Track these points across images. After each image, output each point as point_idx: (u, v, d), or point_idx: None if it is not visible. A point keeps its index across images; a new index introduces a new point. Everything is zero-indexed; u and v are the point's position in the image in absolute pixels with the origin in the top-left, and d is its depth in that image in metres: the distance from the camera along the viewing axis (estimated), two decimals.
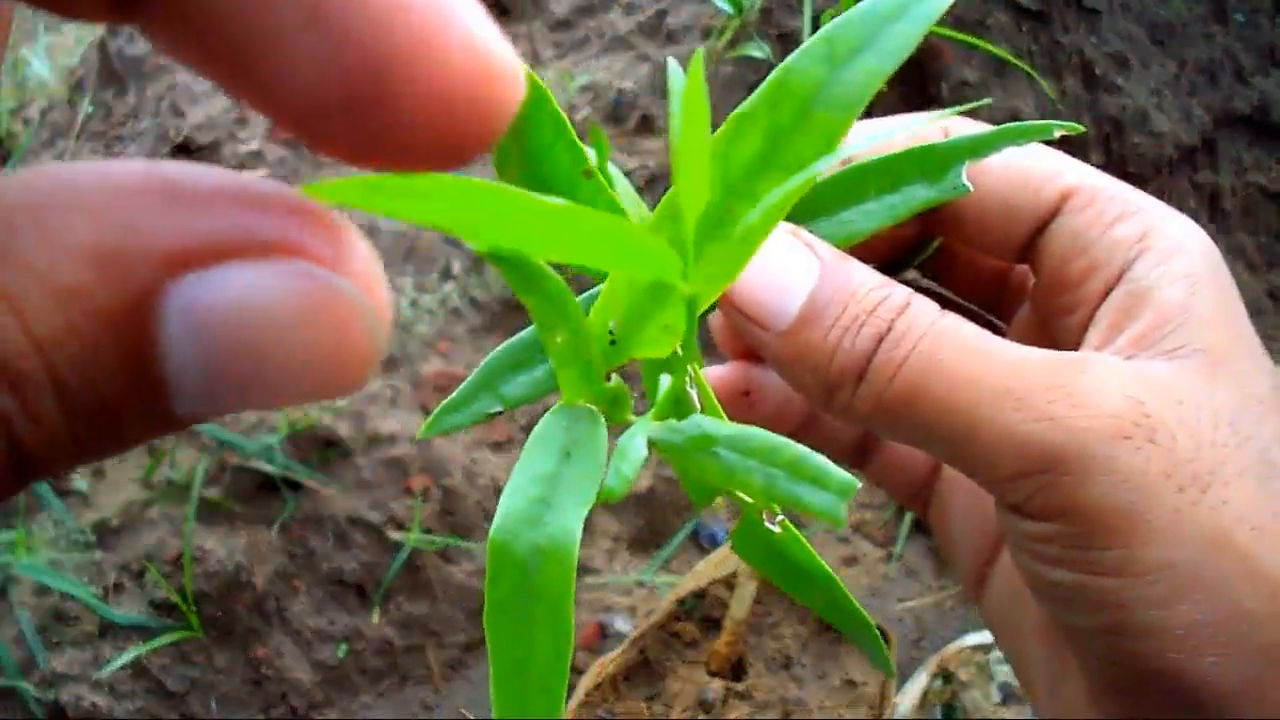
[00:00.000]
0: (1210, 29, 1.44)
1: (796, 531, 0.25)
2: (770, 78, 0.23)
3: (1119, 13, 1.35)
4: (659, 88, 1.23)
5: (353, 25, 0.13)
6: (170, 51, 0.14)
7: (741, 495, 0.23)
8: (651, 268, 0.18)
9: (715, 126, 0.23)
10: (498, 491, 1.08)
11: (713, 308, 0.28)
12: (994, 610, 0.34)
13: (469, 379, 0.28)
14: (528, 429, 1.08)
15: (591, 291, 0.26)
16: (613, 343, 0.21)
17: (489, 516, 1.07)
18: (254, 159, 1.24)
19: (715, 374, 0.35)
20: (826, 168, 0.18)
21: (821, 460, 0.19)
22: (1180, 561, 0.25)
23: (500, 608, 0.18)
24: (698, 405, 0.23)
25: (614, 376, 0.21)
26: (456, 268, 1.19)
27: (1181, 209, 0.31)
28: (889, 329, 0.26)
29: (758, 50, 1.04)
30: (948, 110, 0.21)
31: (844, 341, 0.26)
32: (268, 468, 1.04)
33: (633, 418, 0.21)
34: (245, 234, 0.13)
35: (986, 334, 0.26)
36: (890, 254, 0.33)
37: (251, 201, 0.13)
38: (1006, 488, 0.26)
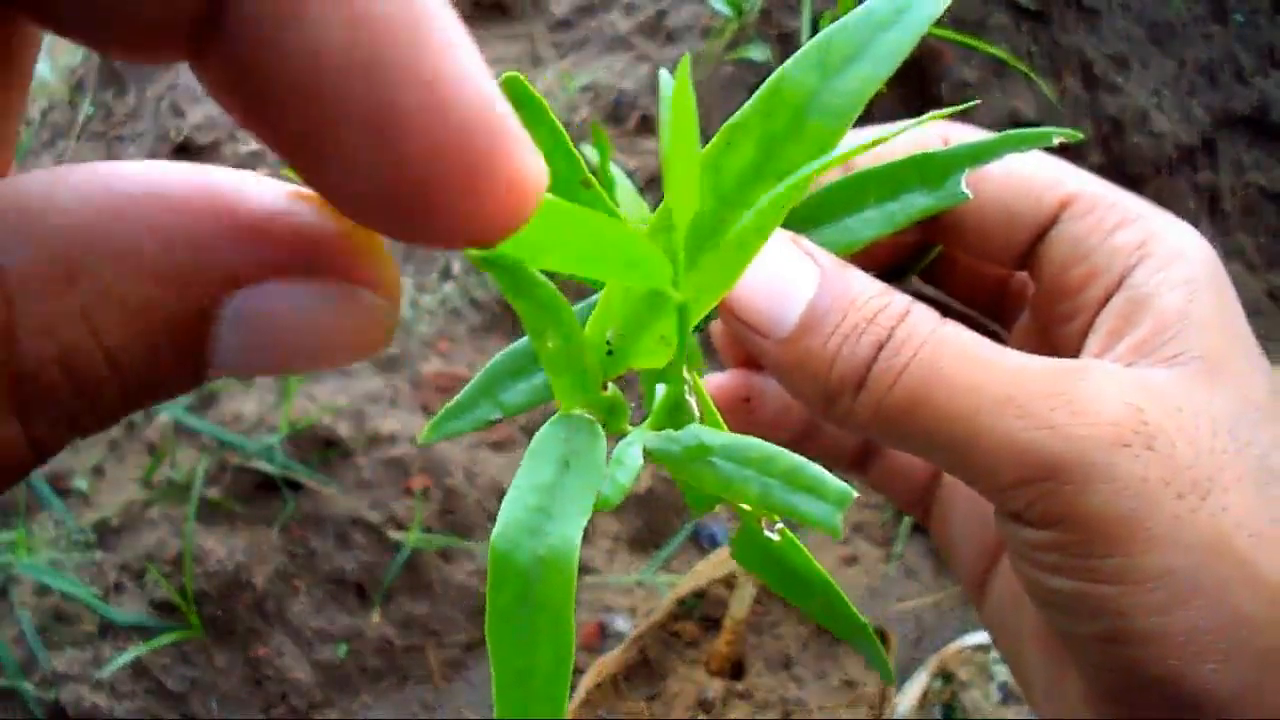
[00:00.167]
0: (1210, 29, 1.43)
1: (795, 539, 0.25)
2: (764, 86, 0.23)
3: (1119, 13, 1.35)
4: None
5: (413, 151, 0.13)
6: (223, 104, 0.15)
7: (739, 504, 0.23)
8: (641, 273, 0.18)
9: (714, 129, 0.23)
10: (498, 491, 1.09)
11: (713, 316, 0.28)
12: (994, 616, 0.34)
13: (469, 386, 0.28)
14: (527, 429, 1.08)
15: (588, 300, 0.26)
16: (610, 353, 0.21)
17: (489, 516, 1.07)
18: (254, 159, 1.24)
19: (716, 381, 0.35)
20: (825, 173, 0.18)
21: (818, 470, 0.19)
22: (1180, 568, 0.25)
23: (502, 617, 0.18)
24: (696, 413, 0.23)
25: (611, 386, 0.21)
26: (456, 268, 1.19)
27: (1181, 209, 0.31)
28: (889, 337, 0.26)
29: (757, 51, 1.04)
30: (939, 112, 0.21)
31: (844, 349, 0.26)
32: (268, 468, 1.04)
33: (629, 427, 0.21)
34: (291, 257, 0.15)
35: (986, 341, 0.26)
36: (890, 261, 0.33)
37: (298, 228, 0.15)
38: (1006, 495, 0.26)
